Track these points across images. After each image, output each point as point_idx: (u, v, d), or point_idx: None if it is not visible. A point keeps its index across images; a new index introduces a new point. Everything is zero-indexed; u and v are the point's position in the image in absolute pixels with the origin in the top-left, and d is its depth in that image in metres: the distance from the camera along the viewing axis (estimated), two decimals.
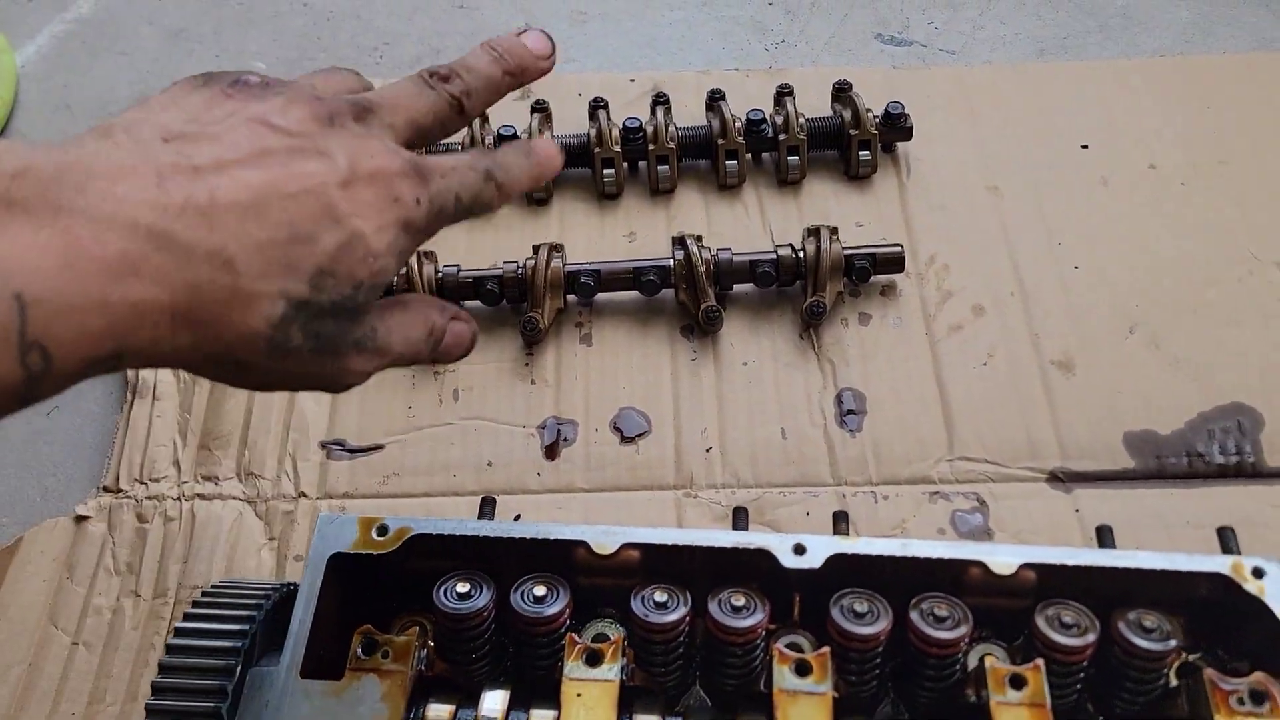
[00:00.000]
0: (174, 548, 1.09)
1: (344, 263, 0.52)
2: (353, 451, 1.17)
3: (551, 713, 0.80)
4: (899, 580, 0.86)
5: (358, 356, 0.63)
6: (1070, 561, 0.84)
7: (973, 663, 0.86)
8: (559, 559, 0.88)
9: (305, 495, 1.13)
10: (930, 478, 1.12)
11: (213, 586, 0.85)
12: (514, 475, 1.15)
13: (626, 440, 1.17)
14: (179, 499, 1.13)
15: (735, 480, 1.13)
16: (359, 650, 0.82)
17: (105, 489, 1.15)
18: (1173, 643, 0.81)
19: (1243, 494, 1.09)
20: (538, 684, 0.88)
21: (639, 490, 1.13)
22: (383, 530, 0.88)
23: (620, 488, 1.13)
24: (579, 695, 0.80)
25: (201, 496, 1.13)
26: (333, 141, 0.54)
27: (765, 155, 1.39)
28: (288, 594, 0.85)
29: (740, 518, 0.93)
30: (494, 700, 0.82)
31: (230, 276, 0.48)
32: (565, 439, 1.17)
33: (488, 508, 0.95)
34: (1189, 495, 1.09)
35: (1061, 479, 1.11)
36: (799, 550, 0.86)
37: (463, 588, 0.86)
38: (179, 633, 0.80)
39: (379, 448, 1.17)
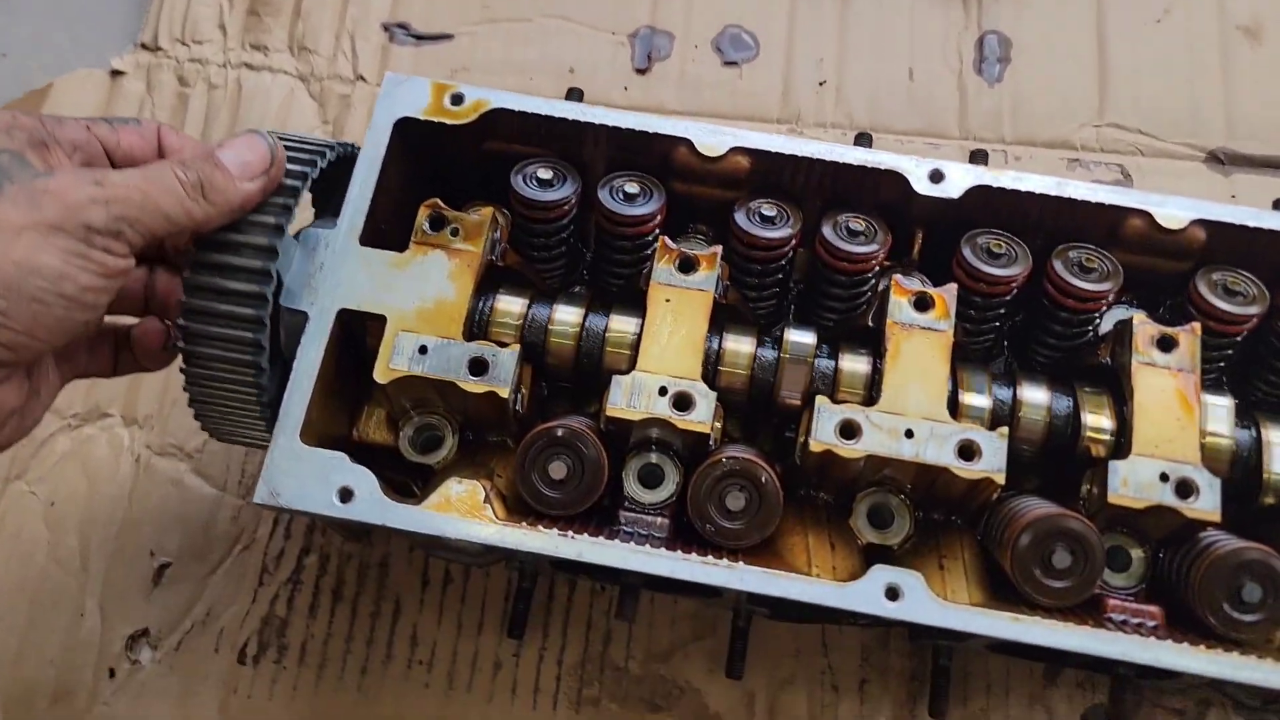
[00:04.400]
0: (219, 117, 0.99)
1: None
2: (419, 38, 1.03)
3: (635, 319, 0.72)
4: (1044, 226, 0.74)
5: None
6: (1252, 223, 0.72)
7: (1105, 327, 0.77)
8: (656, 158, 0.76)
9: (364, 79, 1.01)
10: (1072, 143, 0.98)
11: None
12: (598, 86, 1.01)
13: (729, 62, 1.02)
14: (224, 65, 1.01)
15: (848, 121, 0.99)
16: (425, 225, 0.72)
17: (143, 46, 1.02)
18: None
19: None
20: (616, 294, 0.79)
21: (738, 120, 1.00)
22: (458, 99, 0.76)
23: (717, 115, 1.00)
24: (668, 301, 0.71)
25: (249, 66, 1.01)
26: None
27: None
28: (345, 155, 0.75)
29: (864, 140, 0.80)
30: (571, 301, 0.74)
31: None
32: (659, 52, 1.02)
33: (574, 96, 0.83)
34: None
35: (1221, 160, 0.97)
36: (936, 177, 0.74)
37: (545, 174, 0.76)
38: None
39: (448, 37, 1.03)
